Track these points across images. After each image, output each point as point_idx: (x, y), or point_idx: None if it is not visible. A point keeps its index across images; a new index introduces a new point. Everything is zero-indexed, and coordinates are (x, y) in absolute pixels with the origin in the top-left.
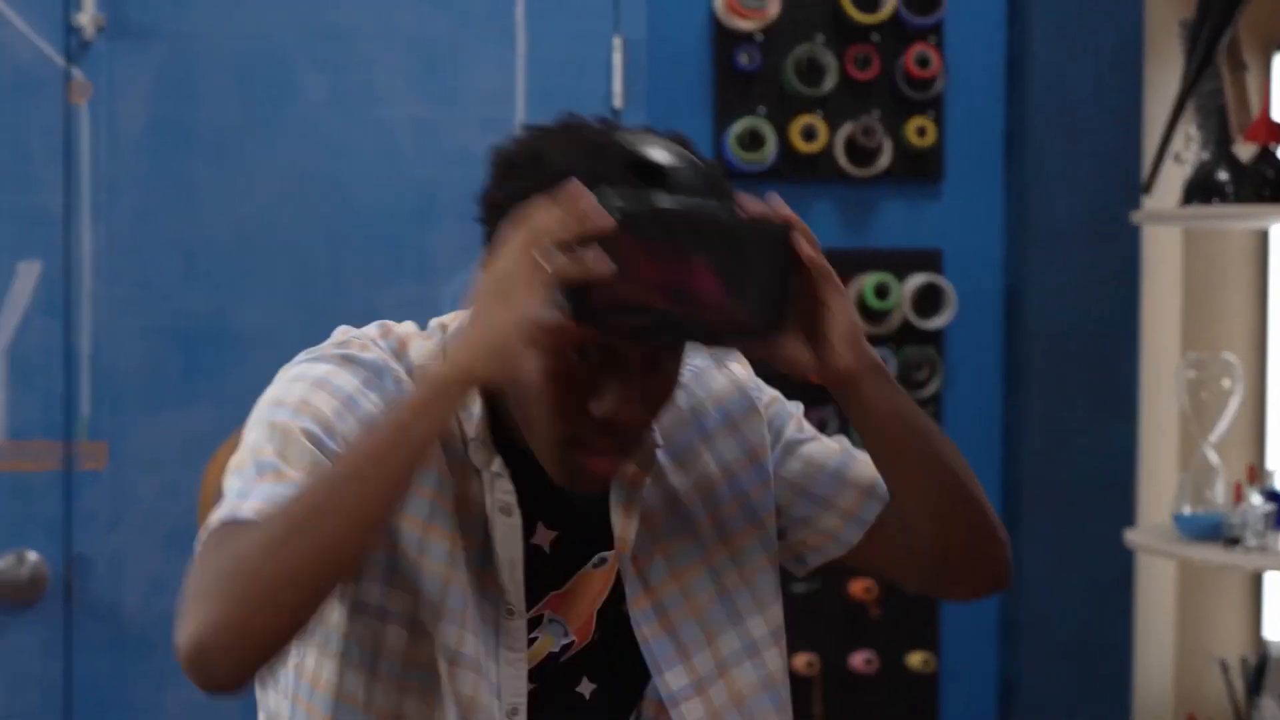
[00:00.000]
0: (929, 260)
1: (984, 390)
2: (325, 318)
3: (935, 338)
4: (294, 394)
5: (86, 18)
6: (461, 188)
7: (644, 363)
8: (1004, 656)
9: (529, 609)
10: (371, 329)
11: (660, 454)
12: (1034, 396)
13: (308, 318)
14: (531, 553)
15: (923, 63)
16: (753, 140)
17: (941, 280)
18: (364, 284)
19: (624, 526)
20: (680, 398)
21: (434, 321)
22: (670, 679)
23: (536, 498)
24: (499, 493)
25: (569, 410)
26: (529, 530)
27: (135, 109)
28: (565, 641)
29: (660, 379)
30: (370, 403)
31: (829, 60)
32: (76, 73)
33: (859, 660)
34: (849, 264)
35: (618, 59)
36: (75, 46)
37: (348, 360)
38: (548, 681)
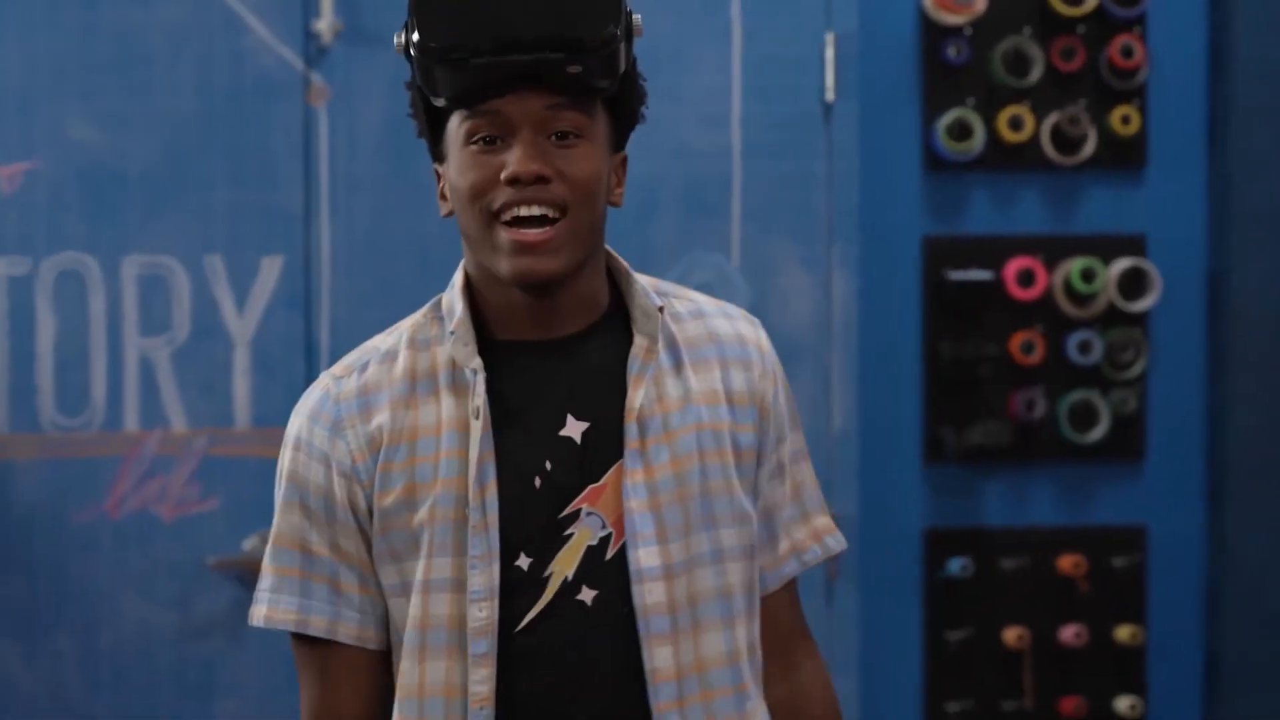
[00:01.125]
0: (1134, 245)
1: (1189, 371)
2: None
3: (1140, 320)
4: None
5: (325, 24)
6: (681, 182)
7: (530, 123)
8: (1211, 630)
9: (567, 502)
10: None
11: (685, 352)
12: (1239, 377)
13: None
14: (563, 446)
15: (1127, 53)
16: (961, 131)
17: (1146, 264)
18: None
19: (632, 395)
20: (699, 323)
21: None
22: (643, 555)
23: (562, 387)
24: (475, 397)
25: (483, 188)
26: (558, 422)
27: (371, 111)
28: (604, 534)
29: (566, 148)
30: (320, 433)
31: (1035, 52)
32: (315, 77)
33: (1068, 634)
34: (1056, 249)
35: (830, 54)
36: (314, 52)
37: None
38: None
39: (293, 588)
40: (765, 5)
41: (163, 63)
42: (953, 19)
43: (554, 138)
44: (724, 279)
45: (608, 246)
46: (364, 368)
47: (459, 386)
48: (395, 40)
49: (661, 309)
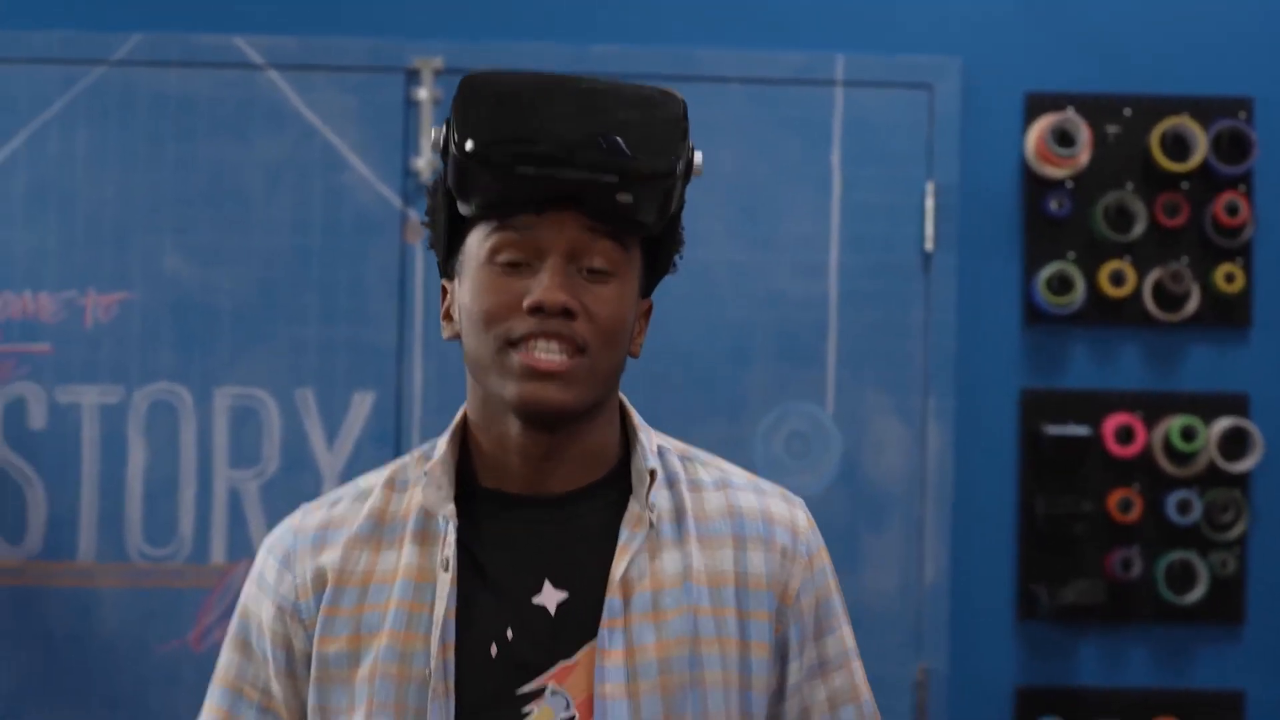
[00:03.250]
0: (1236, 404)
1: None
2: None
3: (1241, 481)
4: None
5: (424, 162)
6: (775, 329)
7: (563, 250)
8: None
9: (532, 678)
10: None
11: (694, 525)
12: None
13: None
14: (534, 615)
15: (1232, 210)
16: (1061, 285)
17: (1248, 424)
18: (680, 422)
19: (616, 565)
20: (720, 495)
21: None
22: None
23: (544, 549)
24: (445, 545)
25: (501, 314)
26: (533, 588)
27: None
28: (566, 716)
29: (596, 284)
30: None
31: (1138, 207)
32: (412, 214)
33: None
34: (1156, 406)
35: (930, 204)
36: (412, 189)
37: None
38: None
39: None
40: (866, 154)
41: (260, 197)
42: (1055, 172)
43: (584, 272)
44: (818, 427)
45: (625, 399)
46: (335, 502)
47: (428, 534)
48: (433, 136)
49: (653, 472)
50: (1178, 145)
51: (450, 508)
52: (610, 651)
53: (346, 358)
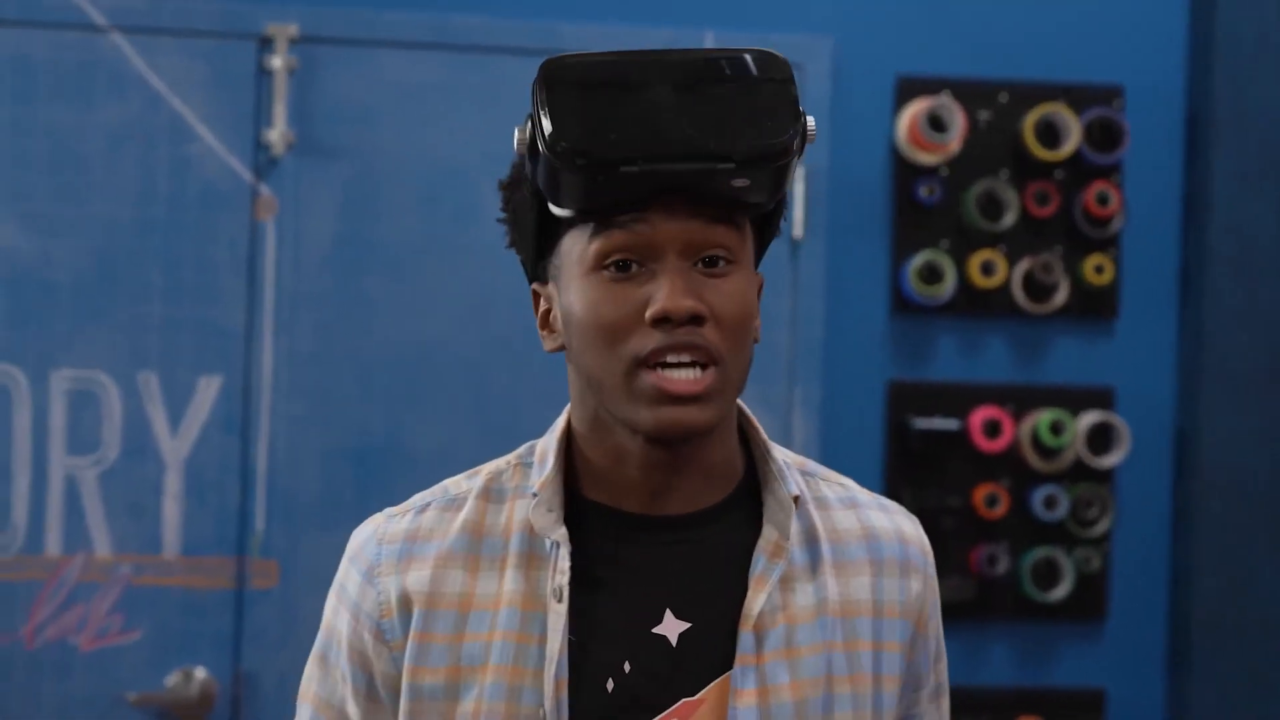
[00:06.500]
0: (1102, 398)
1: (1154, 530)
2: (502, 439)
3: (1107, 476)
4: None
5: (276, 135)
6: None
7: (678, 247)
8: None
9: (650, 714)
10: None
11: (828, 549)
12: (1205, 538)
13: (484, 439)
14: (654, 647)
15: (1102, 200)
16: (932, 274)
17: (1115, 418)
18: (543, 406)
19: (751, 599)
20: (850, 514)
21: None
22: None
23: (665, 575)
24: (557, 572)
25: (623, 328)
26: (653, 618)
27: (320, 226)
28: None
29: (716, 278)
30: (354, 585)
31: (1010, 196)
32: (264, 189)
33: None
34: (1024, 399)
35: (799, 189)
36: (264, 163)
37: (351, 559)
38: None
39: None
40: None
41: (102, 167)
42: (927, 158)
43: (701, 265)
44: None
45: (743, 405)
46: (423, 509)
47: (534, 556)
48: (515, 135)
49: (798, 498)
50: (1050, 133)
51: (563, 531)
52: (743, 691)
53: (192, 339)
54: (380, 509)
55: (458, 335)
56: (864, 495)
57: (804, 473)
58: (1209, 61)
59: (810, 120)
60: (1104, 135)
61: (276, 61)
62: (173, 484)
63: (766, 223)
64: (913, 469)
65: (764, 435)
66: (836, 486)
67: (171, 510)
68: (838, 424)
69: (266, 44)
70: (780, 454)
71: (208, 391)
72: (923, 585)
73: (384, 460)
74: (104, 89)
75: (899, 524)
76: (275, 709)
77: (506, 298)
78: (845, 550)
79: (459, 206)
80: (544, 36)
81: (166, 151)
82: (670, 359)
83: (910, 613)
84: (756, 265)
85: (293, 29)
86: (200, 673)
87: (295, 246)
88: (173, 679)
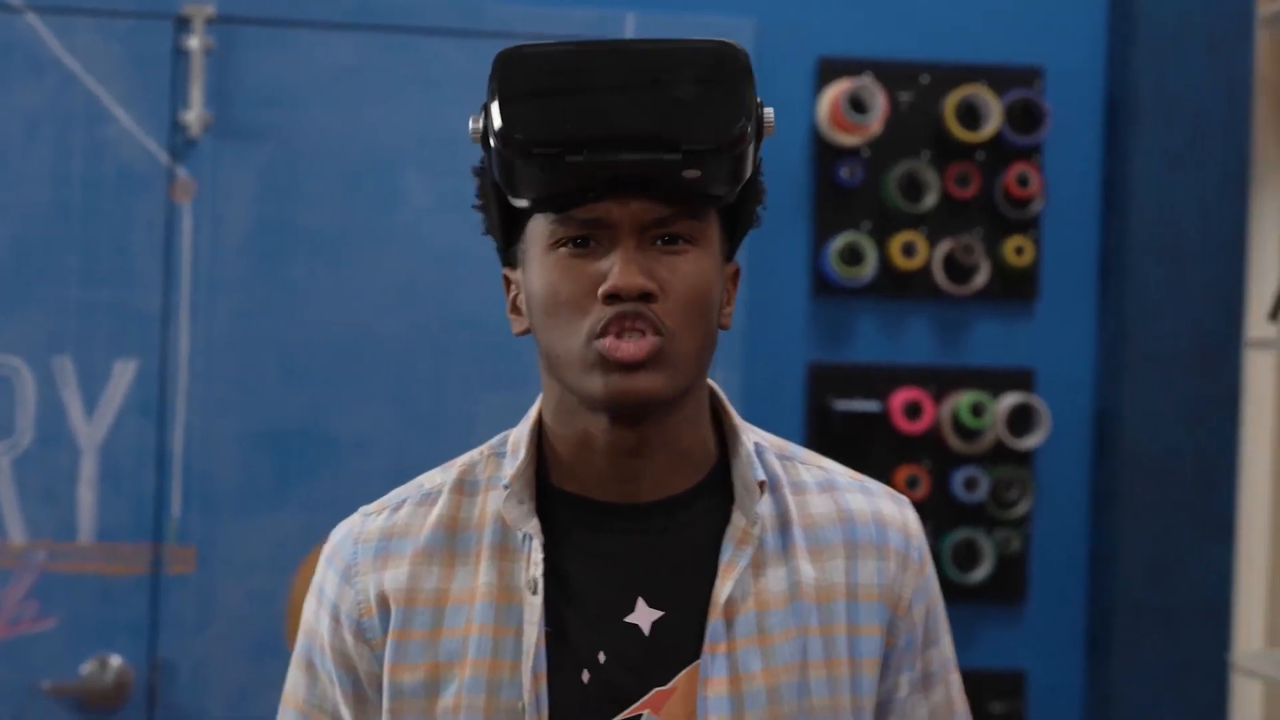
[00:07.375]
0: (1022, 380)
1: (1074, 512)
2: (423, 425)
3: (1027, 458)
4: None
5: (194, 116)
6: None
7: (634, 229)
8: None
9: (625, 705)
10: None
11: (800, 534)
12: (1125, 519)
13: (405, 425)
14: (627, 636)
15: (1023, 182)
16: (853, 256)
17: (1035, 400)
18: (464, 392)
19: (720, 586)
20: (826, 497)
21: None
22: None
23: (635, 563)
24: (531, 565)
25: (576, 303)
26: (625, 606)
27: (238, 209)
28: None
29: (673, 255)
30: (332, 586)
31: (931, 177)
32: (181, 171)
33: None
34: (944, 381)
35: None
36: (181, 144)
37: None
38: None
39: None
40: None
41: (15, 149)
42: (848, 139)
43: (660, 242)
44: None
45: (717, 388)
46: (398, 506)
47: (507, 548)
48: (470, 125)
49: (763, 483)
50: (971, 115)
51: (535, 523)
52: (714, 680)
53: (108, 323)
54: (298, 494)
55: (379, 320)
56: (845, 478)
57: (782, 456)
58: (1130, 43)
59: (769, 112)
60: (1025, 117)
61: (193, 42)
62: (88, 469)
63: (738, 212)
64: (834, 451)
65: (736, 419)
66: (816, 470)
67: (87, 496)
68: (759, 405)
69: (183, 24)
70: (756, 437)
71: (123, 376)
72: (900, 567)
73: (303, 445)
74: (18, 70)
75: (879, 506)
76: (192, 697)
77: (429, 283)
78: (820, 534)
79: (380, 189)
80: (467, 16)
81: (82, 133)
82: (616, 331)
83: (888, 595)
84: (732, 254)
85: (209, 9)
86: (116, 660)
87: (213, 229)
88: (88, 667)
